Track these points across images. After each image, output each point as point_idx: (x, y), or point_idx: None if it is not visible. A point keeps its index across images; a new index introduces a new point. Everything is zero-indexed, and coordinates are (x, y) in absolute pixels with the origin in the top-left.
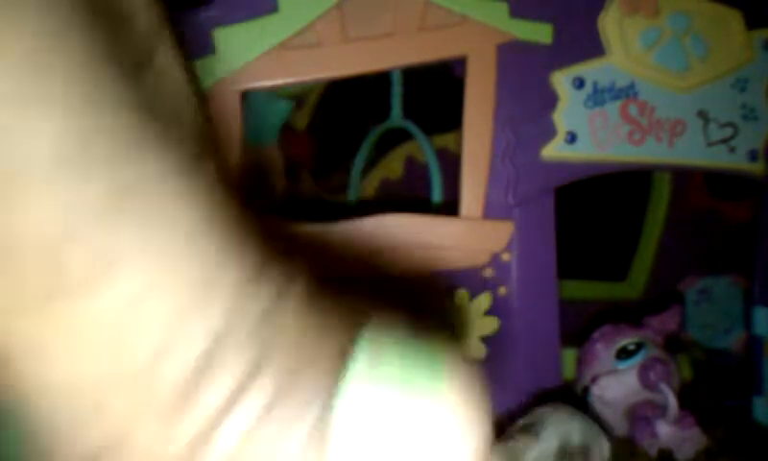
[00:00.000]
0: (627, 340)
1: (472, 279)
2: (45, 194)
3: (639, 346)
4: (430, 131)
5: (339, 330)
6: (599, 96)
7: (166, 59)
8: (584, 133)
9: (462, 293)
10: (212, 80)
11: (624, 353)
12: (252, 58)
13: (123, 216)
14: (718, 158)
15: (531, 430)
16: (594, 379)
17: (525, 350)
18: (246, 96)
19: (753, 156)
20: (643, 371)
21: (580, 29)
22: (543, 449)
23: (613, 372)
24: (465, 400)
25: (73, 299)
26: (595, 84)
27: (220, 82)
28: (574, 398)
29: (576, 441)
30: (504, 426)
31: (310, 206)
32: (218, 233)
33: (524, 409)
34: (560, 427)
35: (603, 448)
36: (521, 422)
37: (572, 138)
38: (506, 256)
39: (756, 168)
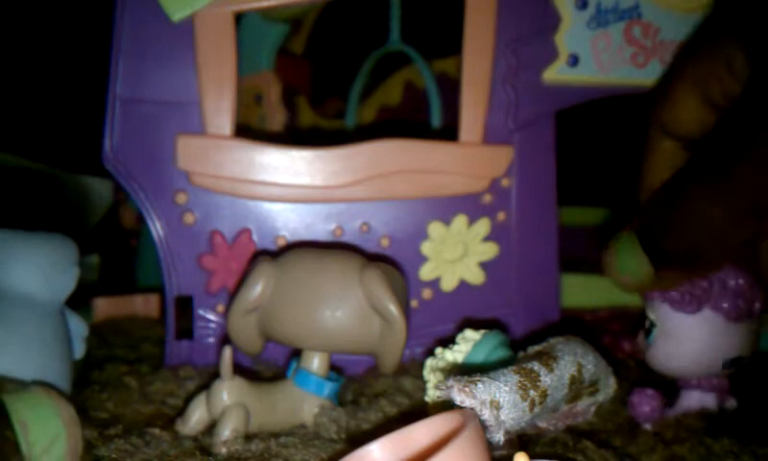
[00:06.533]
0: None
1: (472, 205)
2: None
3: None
4: (429, 55)
5: None
6: (602, 17)
7: None
8: (586, 56)
9: (461, 218)
10: (205, 1)
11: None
12: None
13: None
14: None
15: (545, 358)
16: None
17: (524, 275)
18: (240, 19)
19: None
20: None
21: None
22: (559, 377)
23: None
24: None
25: None
26: (599, 4)
27: (212, 3)
28: (575, 326)
29: (588, 373)
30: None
31: (308, 133)
32: None
33: (532, 337)
34: (576, 359)
35: (610, 383)
36: (534, 348)
37: (574, 61)
38: (506, 182)
39: None
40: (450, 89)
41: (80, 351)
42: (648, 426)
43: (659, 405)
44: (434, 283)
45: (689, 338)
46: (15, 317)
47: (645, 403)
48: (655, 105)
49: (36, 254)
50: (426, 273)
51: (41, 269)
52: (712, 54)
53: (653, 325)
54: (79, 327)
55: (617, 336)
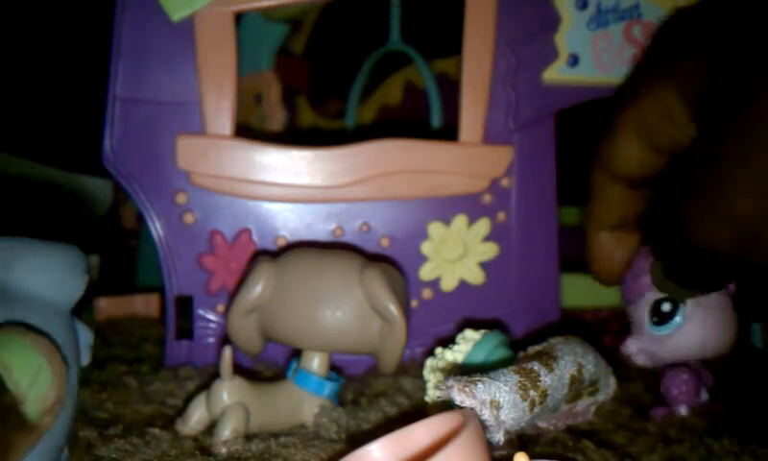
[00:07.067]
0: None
1: (471, 205)
2: None
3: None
4: (429, 55)
5: None
6: (603, 17)
7: None
8: (586, 56)
9: (461, 218)
10: (205, 1)
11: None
12: None
13: None
14: None
15: (545, 358)
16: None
17: (524, 275)
18: (240, 19)
19: None
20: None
21: None
22: (559, 377)
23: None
24: None
25: None
26: (599, 4)
27: (212, 3)
28: (575, 327)
29: (588, 373)
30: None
31: (308, 133)
32: None
33: (532, 337)
34: (576, 359)
35: (610, 383)
36: (534, 348)
37: (574, 61)
38: (506, 182)
39: None
40: (450, 89)
41: (86, 358)
42: (683, 411)
43: (694, 387)
44: (434, 283)
45: (725, 309)
46: (33, 319)
47: (675, 387)
48: (598, 146)
49: (48, 258)
50: (426, 273)
51: (53, 273)
52: (654, 102)
53: (678, 304)
54: (84, 336)
55: (617, 336)
